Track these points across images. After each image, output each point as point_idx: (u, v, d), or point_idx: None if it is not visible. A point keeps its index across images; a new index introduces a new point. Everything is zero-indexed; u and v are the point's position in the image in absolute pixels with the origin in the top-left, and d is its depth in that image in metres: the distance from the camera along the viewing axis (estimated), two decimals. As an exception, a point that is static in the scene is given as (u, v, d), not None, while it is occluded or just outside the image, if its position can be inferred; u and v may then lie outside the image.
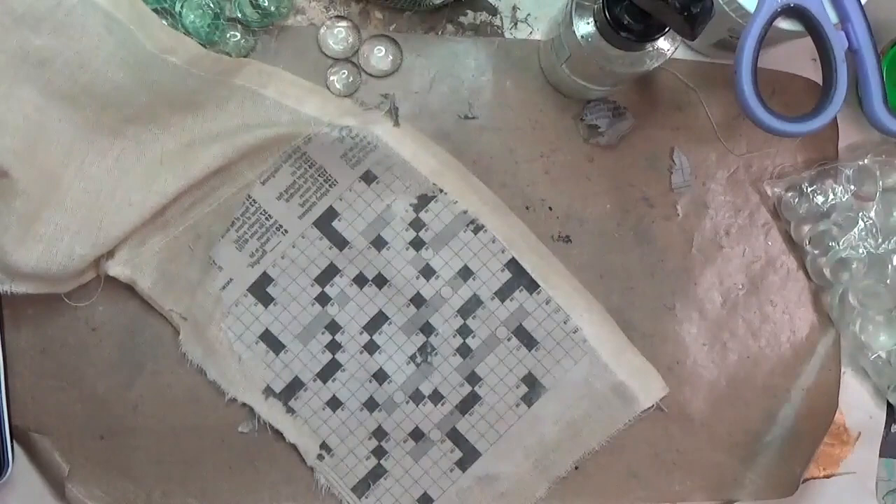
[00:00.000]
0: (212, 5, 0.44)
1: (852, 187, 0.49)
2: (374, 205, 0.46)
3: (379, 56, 0.47)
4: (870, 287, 0.49)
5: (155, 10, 0.43)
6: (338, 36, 0.46)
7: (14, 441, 0.45)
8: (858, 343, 0.49)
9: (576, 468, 0.48)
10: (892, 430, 0.51)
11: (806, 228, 0.49)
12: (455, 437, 0.48)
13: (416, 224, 0.46)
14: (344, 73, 0.47)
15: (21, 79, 0.41)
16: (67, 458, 0.46)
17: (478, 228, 0.46)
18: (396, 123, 0.45)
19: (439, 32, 0.47)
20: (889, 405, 0.51)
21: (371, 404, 0.47)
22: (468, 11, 0.48)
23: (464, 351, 0.47)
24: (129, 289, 0.46)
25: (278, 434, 0.47)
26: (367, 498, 0.48)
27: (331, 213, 0.46)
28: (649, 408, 0.48)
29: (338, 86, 0.46)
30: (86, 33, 0.41)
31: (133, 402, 0.47)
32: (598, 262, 0.48)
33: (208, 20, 0.44)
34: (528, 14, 0.48)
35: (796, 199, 0.49)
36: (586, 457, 0.48)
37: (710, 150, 0.49)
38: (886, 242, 0.49)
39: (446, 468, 0.48)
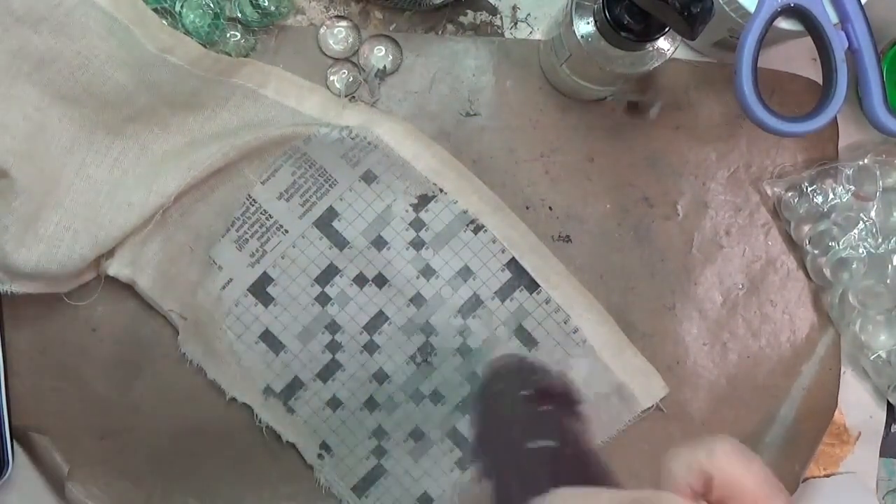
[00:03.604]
0: (212, 5, 0.44)
1: (852, 187, 0.49)
2: (375, 205, 0.46)
3: (379, 56, 0.47)
4: (870, 287, 0.48)
5: (155, 10, 0.43)
6: (338, 36, 0.46)
7: (14, 441, 0.45)
8: (858, 343, 0.49)
9: (576, 468, 0.48)
10: (892, 430, 0.51)
11: (806, 228, 0.49)
12: (455, 436, 0.48)
13: (417, 224, 0.46)
14: (344, 72, 0.47)
15: (21, 79, 0.41)
16: (67, 458, 0.46)
17: (478, 228, 0.46)
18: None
19: (439, 32, 0.47)
20: (889, 405, 0.51)
21: (371, 404, 0.47)
22: (468, 11, 0.48)
23: (464, 351, 0.47)
24: (129, 289, 0.46)
25: (278, 434, 0.47)
26: (367, 497, 0.48)
27: (331, 213, 0.46)
28: (649, 408, 0.48)
29: (338, 85, 0.46)
30: (86, 33, 0.41)
31: (133, 402, 0.47)
32: (598, 262, 0.48)
33: (208, 20, 0.44)
34: (528, 14, 0.48)
35: (796, 199, 0.49)
36: (586, 457, 0.48)
37: (710, 150, 0.49)
38: (886, 242, 0.49)
39: (446, 468, 0.48)
